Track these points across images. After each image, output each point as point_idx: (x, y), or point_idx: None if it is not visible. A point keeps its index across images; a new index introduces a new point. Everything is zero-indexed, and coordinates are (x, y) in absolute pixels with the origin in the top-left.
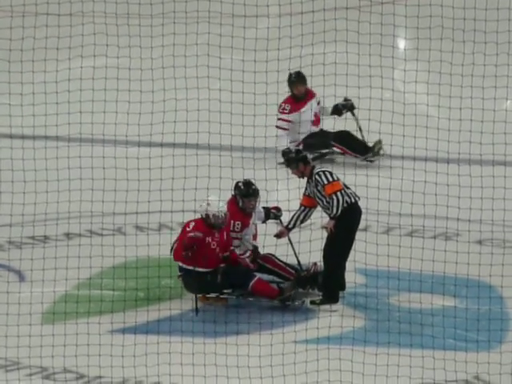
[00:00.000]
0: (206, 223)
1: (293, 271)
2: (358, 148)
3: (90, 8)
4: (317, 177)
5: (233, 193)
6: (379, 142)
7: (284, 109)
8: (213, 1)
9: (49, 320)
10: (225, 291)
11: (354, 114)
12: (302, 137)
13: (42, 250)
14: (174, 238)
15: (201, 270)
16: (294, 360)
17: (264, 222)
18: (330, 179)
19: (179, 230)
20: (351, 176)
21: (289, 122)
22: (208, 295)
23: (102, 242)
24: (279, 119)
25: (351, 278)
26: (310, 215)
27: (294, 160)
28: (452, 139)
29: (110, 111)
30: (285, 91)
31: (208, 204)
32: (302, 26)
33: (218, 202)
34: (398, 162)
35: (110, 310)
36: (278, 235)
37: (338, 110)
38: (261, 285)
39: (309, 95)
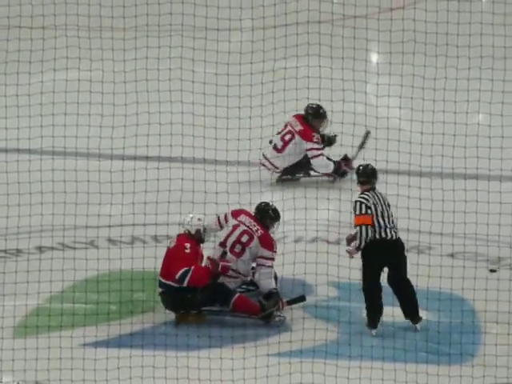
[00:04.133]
0: (194, 238)
1: None
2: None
3: (63, 21)
4: (354, 204)
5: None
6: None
7: (318, 139)
8: (186, 14)
9: (21, 333)
10: (205, 308)
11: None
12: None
13: (15, 264)
14: (148, 251)
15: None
16: (266, 373)
17: None
18: (363, 211)
19: (152, 244)
20: (324, 190)
21: (322, 149)
22: (187, 314)
23: (74, 255)
24: (313, 149)
25: (324, 291)
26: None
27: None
28: (424, 153)
29: (82, 124)
30: (256, 104)
31: (199, 219)
32: (275, 39)
33: (204, 216)
34: None
35: (82, 323)
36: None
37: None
38: (242, 302)
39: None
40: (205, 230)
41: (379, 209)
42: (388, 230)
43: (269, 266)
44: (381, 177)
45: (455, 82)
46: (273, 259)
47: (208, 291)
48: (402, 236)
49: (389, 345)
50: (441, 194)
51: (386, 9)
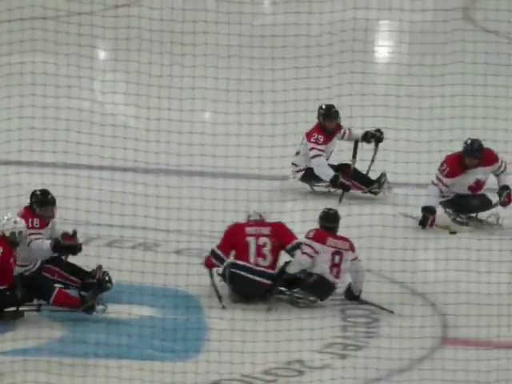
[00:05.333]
0: (8, 240)
1: (75, 279)
2: (363, 180)
3: None
4: None
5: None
6: (384, 174)
7: (318, 139)
8: None
9: None
10: (24, 304)
11: (377, 146)
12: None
13: None
14: None
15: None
16: None
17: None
18: None
19: None
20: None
21: (322, 151)
22: (4, 310)
23: None
24: (313, 149)
25: None
26: None
27: None
28: (150, 150)
29: None
30: None
31: (15, 222)
32: None
33: (21, 220)
34: (96, 172)
35: None
36: None
37: (366, 138)
38: (62, 296)
39: (337, 130)
40: (20, 233)
41: None
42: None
43: (37, 238)
44: (108, 174)
45: (181, 79)
46: (36, 227)
47: (28, 288)
48: (129, 233)
49: (114, 342)
50: (167, 191)
51: (112, 6)
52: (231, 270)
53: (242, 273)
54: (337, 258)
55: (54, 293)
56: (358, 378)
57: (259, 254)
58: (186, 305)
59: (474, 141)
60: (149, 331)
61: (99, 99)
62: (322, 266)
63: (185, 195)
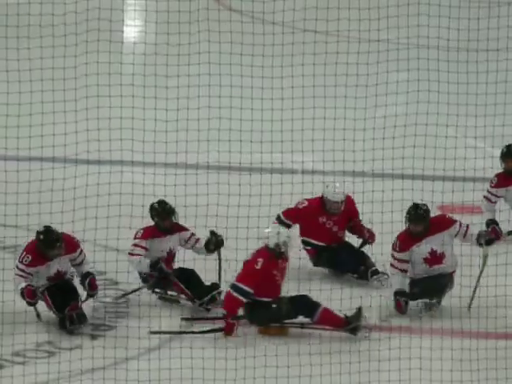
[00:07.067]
0: (272, 253)
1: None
2: None
3: None
4: None
5: None
6: None
7: (491, 181)
8: None
9: None
10: (287, 321)
11: None
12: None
13: None
14: None
15: (265, 299)
16: None
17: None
18: None
19: None
20: None
21: (496, 196)
22: (269, 326)
23: None
24: (487, 190)
25: None
26: None
27: None
28: None
29: None
30: None
31: (278, 233)
32: None
33: (285, 230)
34: None
35: None
36: None
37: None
38: (327, 314)
39: None
40: (285, 243)
41: None
42: None
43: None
44: None
45: None
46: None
47: (292, 303)
48: None
49: None
50: None
51: None
52: None
53: None
54: None
55: (319, 310)
56: (107, 357)
57: None
58: None
59: (416, 206)
60: None
61: None
62: None
63: None
